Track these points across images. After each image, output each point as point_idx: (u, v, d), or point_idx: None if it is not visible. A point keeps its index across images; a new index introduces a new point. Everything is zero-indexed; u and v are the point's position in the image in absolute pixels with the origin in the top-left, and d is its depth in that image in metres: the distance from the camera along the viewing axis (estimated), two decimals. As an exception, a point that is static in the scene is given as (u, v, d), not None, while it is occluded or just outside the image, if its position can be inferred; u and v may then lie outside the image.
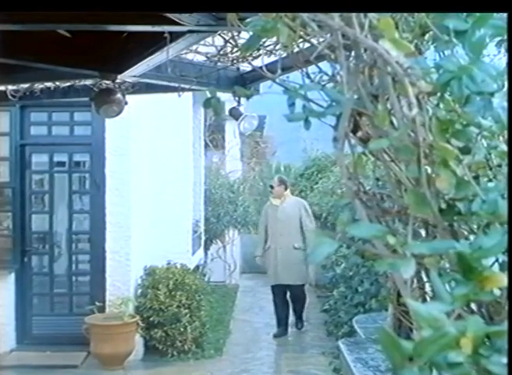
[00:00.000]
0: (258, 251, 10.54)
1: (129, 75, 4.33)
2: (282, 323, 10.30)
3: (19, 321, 8.99)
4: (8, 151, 9.02)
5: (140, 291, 8.68)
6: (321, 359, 8.57)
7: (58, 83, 5.90)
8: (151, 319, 8.33)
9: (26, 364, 8.21)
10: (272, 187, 10.56)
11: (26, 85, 5.96)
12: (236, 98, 5.78)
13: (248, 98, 2.13)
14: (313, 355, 8.88)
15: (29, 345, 8.86)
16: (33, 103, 7.85)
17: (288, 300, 10.40)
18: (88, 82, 5.74)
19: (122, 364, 8.05)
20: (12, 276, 8.93)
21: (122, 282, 8.47)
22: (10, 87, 6.06)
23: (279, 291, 10.29)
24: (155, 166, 9.65)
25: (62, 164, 9.28)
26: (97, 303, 8.31)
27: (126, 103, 5.85)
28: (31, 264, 9.16)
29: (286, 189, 10.39)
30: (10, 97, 6.13)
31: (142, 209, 8.95)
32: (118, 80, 5.14)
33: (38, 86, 6.00)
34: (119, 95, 5.70)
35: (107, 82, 5.50)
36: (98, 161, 8.69)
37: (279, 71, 1.75)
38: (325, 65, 1.84)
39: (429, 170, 1.31)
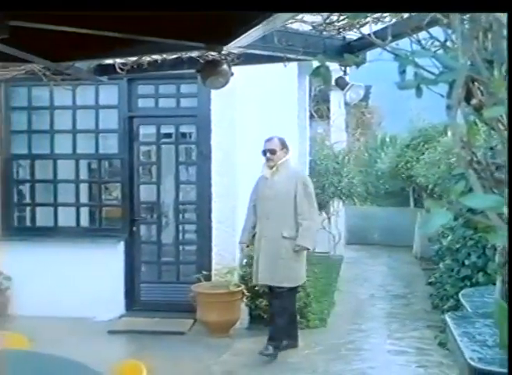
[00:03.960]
0: (243, 236, 7.95)
1: (235, 46, 4.33)
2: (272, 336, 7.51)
3: (128, 288, 9.25)
4: (117, 123, 9.25)
5: (245, 260, 8.76)
6: (426, 333, 8.46)
7: (165, 55, 5.97)
8: (256, 288, 8.40)
9: (135, 329, 8.45)
10: (267, 152, 7.62)
11: (133, 58, 6.06)
12: (343, 68, 5.71)
13: (358, 66, 2.09)
14: (418, 328, 8.77)
15: (137, 312, 9.12)
16: (140, 76, 7.97)
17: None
18: (194, 54, 5.79)
19: (228, 332, 8.17)
20: (122, 244, 9.18)
21: (227, 251, 8.58)
22: (118, 60, 6.18)
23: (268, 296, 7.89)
24: (260, 137, 9.67)
25: (168, 135, 9.44)
26: (203, 272, 8.45)
27: (232, 74, 5.87)
28: (139, 233, 9.38)
29: (286, 154, 7.72)
30: (118, 70, 6.25)
31: (248, 180, 9.00)
32: (224, 52, 5.16)
33: (145, 59, 6.09)
34: (225, 66, 5.72)
35: (213, 53, 5.54)
36: (204, 132, 8.79)
37: (390, 38, 1.70)
38: (435, 31, 1.79)
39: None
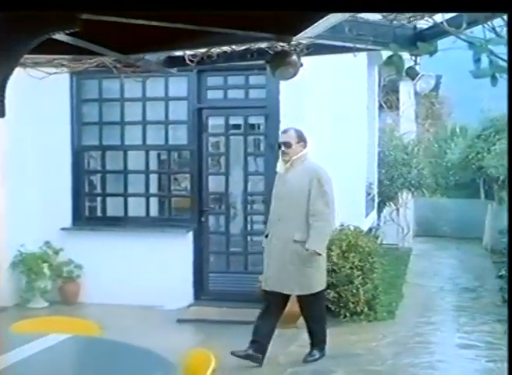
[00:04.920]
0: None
1: (304, 36, 4.31)
2: (257, 340, 6.85)
3: (197, 278, 9.33)
4: (186, 114, 9.32)
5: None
6: (497, 327, 8.31)
7: (234, 46, 5.98)
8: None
9: (204, 318, 8.52)
10: (281, 145, 6.87)
11: (203, 50, 6.09)
12: (413, 57, 5.63)
13: (431, 54, 2.05)
14: (487, 322, 8.63)
15: (205, 301, 9.20)
16: (209, 67, 8.01)
17: (273, 313, 6.96)
18: (263, 45, 5.79)
19: (295, 323, 8.15)
20: (190, 234, 9.27)
21: (296, 242, 8.56)
22: (188, 52, 6.22)
23: (267, 298, 6.99)
24: (329, 128, 9.63)
25: (237, 127, 9.48)
26: (271, 263, 8.45)
27: (301, 65, 5.85)
28: (208, 223, 9.45)
29: (304, 148, 6.90)
30: (188, 62, 6.29)
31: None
32: (293, 42, 5.15)
33: (215, 50, 6.12)
34: (294, 57, 5.71)
35: (282, 44, 5.53)
36: (273, 123, 8.79)
37: (464, 25, 1.67)
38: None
39: None
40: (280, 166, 6.91)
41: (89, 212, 9.93)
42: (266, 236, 7.03)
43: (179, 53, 6.27)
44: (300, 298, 6.94)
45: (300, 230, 6.68)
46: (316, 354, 6.98)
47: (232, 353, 6.65)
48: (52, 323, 4.44)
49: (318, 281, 6.90)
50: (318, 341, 7.04)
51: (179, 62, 6.43)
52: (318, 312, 7.03)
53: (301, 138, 6.85)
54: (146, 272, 9.05)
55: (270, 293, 6.87)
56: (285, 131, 6.99)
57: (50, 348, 3.58)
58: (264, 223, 9.11)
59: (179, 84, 9.27)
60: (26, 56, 4.16)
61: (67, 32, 3.26)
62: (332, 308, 8.41)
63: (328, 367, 6.80)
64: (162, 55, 6.26)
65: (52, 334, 3.79)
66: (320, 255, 6.78)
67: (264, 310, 6.94)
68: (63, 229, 9.52)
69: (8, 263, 9.10)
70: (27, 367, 3.33)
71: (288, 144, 6.77)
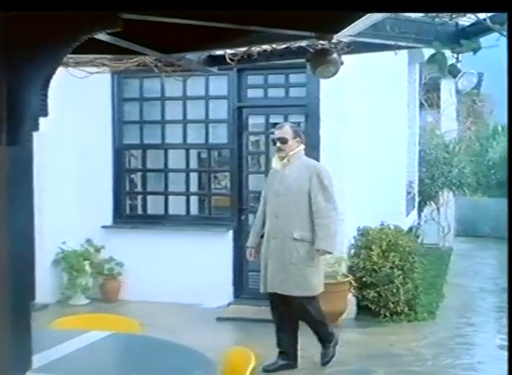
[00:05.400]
0: (251, 240, 6.91)
1: (345, 34, 4.28)
2: (283, 351, 6.72)
3: (237, 276, 9.34)
4: (226, 113, 9.34)
5: (353, 250, 8.71)
6: (542, 329, 8.20)
7: (274, 45, 5.97)
8: (364, 279, 8.34)
9: (243, 317, 8.53)
10: (277, 141, 6.60)
11: (243, 49, 6.09)
12: (455, 55, 5.57)
13: (475, 52, 2.02)
14: (532, 324, 8.51)
15: (245, 299, 9.20)
16: (250, 66, 8.01)
17: (289, 317, 6.71)
18: (304, 43, 5.76)
19: (335, 322, 8.13)
20: (230, 233, 9.28)
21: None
22: (228, 51, 6.22)
23: (273, 302, 6.73)
24: (369, 126, 9.58)
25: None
26: (311, 262, 8.43)
27: (342, 63, 5.82)
28: (248, 222, 9.45)
29: (300, 143, 6.65)
30: (228, 61, 6.30)
31: (356, 169, 8.94)
32: (334, 40, 5.12)
33: (255, 49, 6.11)
34: (335, 55, 5.68)
35: (323, 42, 5.50)
36: (313, 121, 8.76)
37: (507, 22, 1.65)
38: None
39: None
40: (276, 163, 6.67)
41: (130, 210, 10.01)
42: (262, 236, 6.72)
43: (219, 52, 6.28)
44: (296, 299, 6.49)
45: (300, 228, 6.42)
46: (329, 353, 6.76)
47: (265, 369, 6.44)
48: (93, 320, 4.47)
49: (317, 283, 6.58)
50: (325, 341, 6.78)
51: (219, 61, 6.43)
52: (316, 313, 6.66)
53: (297, 134, 6.63)
54: (186, 270, 9.09)
55: (272, 295, 6.61)
56: (280, 127, 6.76)
57: (91, 345, 3.61)
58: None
59: (220, 83, 9.29)
60: (68, 56, 4.21)
61: (109, 32, 3.29)
62: (372, 308, 8.38)
63: (369, 367, 6.77)
64: (203, 54, 6.27)
65: (93, 331, 3.82)
66: (331, 253, 6.65)
67: (276, 318, 6.72)
68: (104, 227, 9.60)
69: (50, 261, 9.22)
70: (68, 364, 3.36)
71: (284, 140, 6.52)
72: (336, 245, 6.72)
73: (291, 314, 6.66)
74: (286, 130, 6.59)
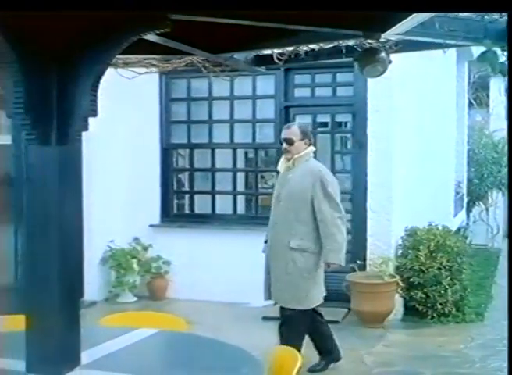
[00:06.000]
0: (264, 245, 6.53)
1: (393, 33, 4.25)
2: (323, 351, 6.54)
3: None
4: (273, 113, 9.34)
5: (400, 251, 8.64)
6: None
7: (322, 44, 5.96)
8: (411, 279, 8.27)
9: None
10: (284, 141, 6.20)
11: (291, 48, 6.08)
12: (505, 53, 5.49)
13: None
14: None
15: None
16: (297, 65, 8.00)
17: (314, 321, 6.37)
18: (351, 42, 5.74)
19: (382, 323, 8.10)
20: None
21: (383, 241, 8.49)
22: (276, 50, 6.23)
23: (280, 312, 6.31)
24: (417, 126, 9.51)
25: (324, 125, 9.45)
26: (358, 261, 8.40)
27: (390, 62, 5.78)
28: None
29: (308, 145, 6.21)
30: (276, 60, 6.30)
31: (403, 169, 8.87)
32: (382, 39, 5.09)
33: (302, 48, 6.10)
34: (383, 54, 5.64)
35: (370, 41, 5.47)
36: (360, 121, 8.71)
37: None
38: None
39: None
40: (281, 165, 6.29)
41: (177, 209, 10.08)
42: (266, 241, 6.41)
43: (267, 52, 6.29)
44: (293, 311, 6.07)
45: (299, 237, 5.99)
46: (321, 364, 6.44)
47: (310, 370, 6.31)
48: (141, 317, 4.52)
49: (315, 295, 6.15)
50: (325, 353, 6.50)
51: (267, 61, 6.44)
52: (317, 324, 6.31)
53: (306, 135, 6.18)
54: (232, 269, 9.10)
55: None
56: (288, 127, 6.39)
57: (138, 343, 3.65)
58: (351, 221, 9.08)
59: (267, 83, 9.30)
60: (117, 56, 4.26)
61: (157, 32, 3.32)
62: (420, 309, 8.31)
63: (416, 369, 6.72)
64: (251, 54, 6.28)
65: (141, 329, 3.86)
66: (342, 265, 6.18)
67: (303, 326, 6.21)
68: (152, 225, 9.68)
69: (98, 259, 9.33)
70: (116, 361, 3.40)
71: (290, 141, 6.11)
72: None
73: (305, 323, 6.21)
74: (293, 131, 6.18)
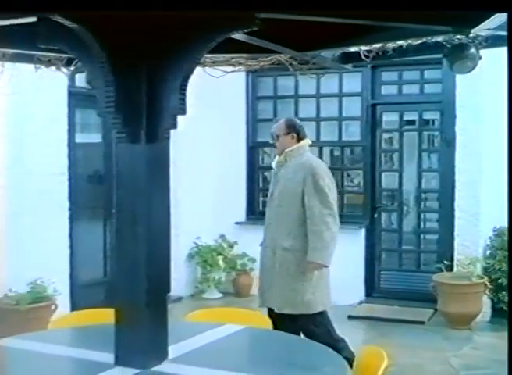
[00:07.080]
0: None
1: (483, 28, 4.17)
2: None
3: (368, 274, 9.28)
4: (360, 110, 9.29)
5: (488, 251, 8.45)
6: None
7: (410, 41, 5.88)
8: (500, 281, 8.07)
9: (375, 316, 8.46)
10: (270, 136, 5.94)
11: (378, 45, 6.03)
12: None
13: None
14: None
15: (376, 298, 9.14)
16: (384, 63, 7.93)
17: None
18: (440, 38, 5.65)
19: (469, 324, 7.96)
20: (363, 231, 9.22)
21: (470, 242, 8.33)
22: (363, 47, 6.18)
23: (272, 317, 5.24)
24: (507, 123, 9.27)
25: (411, 122, 9.34)
26: (445, 262, 8.27)
27: (480, 58, 5.67)
28: (380, 220, 9.38)
29: (297, 140, 5.76)
30: (363, 57, 6.25)
31: (492, 168, 8.66)
32: (471, 34, 4.99)
33: (390, 45, 6.04)
34: (472, 50, 5.53)
35: (460, 37, 5.37)
36: (448, 118, 8.58)
37: None
38: None
39: None
40: (275, 161, 5.97)
41: (262, 207, 10.09)
42: (261, 244, 6.01)
43: (354, 49, 6.24)
44: (290, 317, 5.53)
45: (291, 237, 5.58)
46: None
47: None
48: (226, 313, 4.56)
49: (314, 299, 5.60)
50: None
51: (354, 58, 6.39)
52: (322, 337, 5.25)
53: (292, 129, 5.76)
54: (317, 267, 9.08)
55: (271, 311, 5.65)
56: (275, 121, 6.06)
57: (225, 338, 3.69)
58: (438, 220, 8.96)
59: (353, 80, 9.25)
60: (205, 56, 4.30)
61: (245, 31, 3.34)
62: (508, 311, 8.12)
63: (504, 373, 6.56)
64: (337, 52, 6.25)
65: (227, 325, 3.89)
66: (326, 266, 5.69)
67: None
68: (237, 223, 9.76)
69: (184, 255, 9.46)
70: (203, 355, 3.44)
71: (275, 136, 5.82)
72: (331, 257, 5.76)
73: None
74: (279, 125, 5.83)
